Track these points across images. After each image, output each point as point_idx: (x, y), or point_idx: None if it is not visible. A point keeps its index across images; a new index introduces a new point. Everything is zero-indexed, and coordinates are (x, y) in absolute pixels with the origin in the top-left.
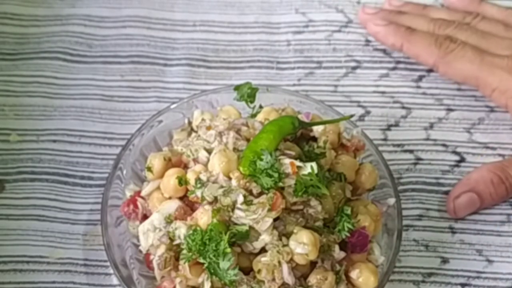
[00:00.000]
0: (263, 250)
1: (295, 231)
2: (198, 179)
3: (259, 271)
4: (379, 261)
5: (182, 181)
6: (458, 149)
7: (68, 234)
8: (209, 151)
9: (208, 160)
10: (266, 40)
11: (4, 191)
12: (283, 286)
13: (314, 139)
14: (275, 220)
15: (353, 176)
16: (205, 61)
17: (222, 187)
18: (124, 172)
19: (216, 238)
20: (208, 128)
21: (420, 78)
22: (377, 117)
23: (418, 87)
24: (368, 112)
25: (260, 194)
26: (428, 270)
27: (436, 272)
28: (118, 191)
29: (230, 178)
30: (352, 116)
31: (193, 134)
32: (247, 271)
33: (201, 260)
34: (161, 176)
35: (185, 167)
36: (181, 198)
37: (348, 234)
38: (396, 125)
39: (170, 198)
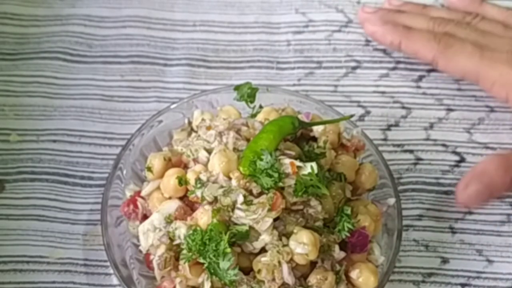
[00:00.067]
0: (263, 250)
1: (295, 231)
2: (198, 179)
3: (259, 271)
4: (379, 261)
5: (182, 181)
6: (458, 149)
7: (68, 234)
8: (209, 151)
9: (208, 160)
10: (266, 40)
11: (4, 191)
12: (283, 286)
13: (314, 139)
14: (275, 220)
15: (353, 176)
16: (205, 61)
17: (222, 187)
18: (124, 172)
19: (216, 238)
20: (208, 128)
21: (420, 78)
22: (377, 117)
23: (418, 87)
24: (368, 112)
25: (260, 194)
26: (428, 270)
27: (436, 272)
28: (118, 191)
29: (230, 178)
30: (352, 116)
31: (193, 134)
32: (247, 271)
33: (201, 260)
34: (161, 176)
35: (185, 167)
36: (181, 198)
37: (348, 234)
38: (396, 125)
39: (170, 198)
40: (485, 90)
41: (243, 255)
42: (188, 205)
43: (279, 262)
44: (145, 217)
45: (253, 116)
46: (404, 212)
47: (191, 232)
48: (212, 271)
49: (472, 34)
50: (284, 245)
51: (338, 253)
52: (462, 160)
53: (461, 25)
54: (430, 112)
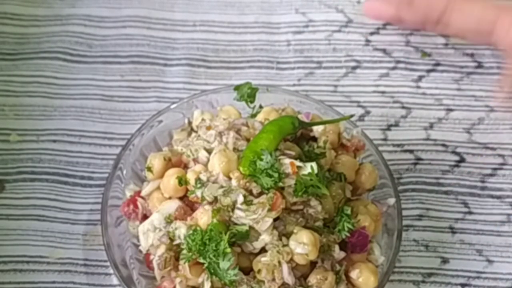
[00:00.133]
0: (263, 250)
1: (295, 231)
2: (198, 179)
3: (259, 271)
4: (379, 261)
5: (182, 181)
6: (458, 149)
7: (68, 234)
8: (209, 151)
9: (208, 160)
10: (266, 40)
11: (4, 191)
12: (283, 286)
13: (314, 139)
14: (275, 220)
15: (353, 176)
16: (205, 61)
17: (222, 187)
18: (124, 172)
19: (216, 238)
20: (208, 128)
21: (420, 78)
22: (377, 117)
23: (418, 87)
24: (368, 112)
25: (260, 194)
26: (428, 270)
27: (436, 272)
28: (118, 191)
29: (230, 178)
30: (352, 116)
31: (193, 134)
32: (247, 271)
33: (201, 260)
34: (161, 176)
35: (185, 167)
36: (181, 198)
37: (348, 234)
38: (396, 125)
39: (170, 198)
40: (499, 39)
41: (243, 255)
42: (188, 205)
43: (279, 262)
44: (145, 217)
45: (253, 116)
46: (404, 212)
47: (191, 232)
48: (212, 271)
49: None
50: (284, 245)
51: (338, 253)
52: (462, 160)
53: None
54: (430, 112)
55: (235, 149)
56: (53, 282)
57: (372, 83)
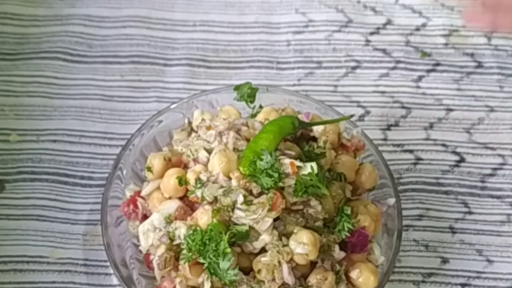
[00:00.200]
0: (263, 250)
1: (295, 231)
2: (198, 179)
3: (259, 271)
4: (379, 261)
5: (182, 181)
6: (458, 149)
7: (68, 234)
8: (209, 151)
9: (208, 160)
10: (266, 40)
11: (4, 191)
12: (283, 286)
13: (314, 139)
14: (275, 220)
15: (353, 176)
16: (205, 61)
17: (222, 187)
18: (124, 172)
19: (216, 238)
20: (208, 128)
21: (420, 78)
22: (377, 117)
23: (418, 87)
24: (368, 112)
25: (260, 194)
26: (428, 270)
27: (436, 272)
28: (118, 191)
29: (230, 178)
30: (352, 116)
31: (193, 134)
32: (247, 271)
33: (201, 260)
34: (161, 176)
35: (185, 167)
36: (181, 198)
37: (348, 234)
38: (396, 125)
39: (170, 198)
40: None
41: (243, 255)
42: (188, 205)
43: (279, 262)
44: (145, 217)
45: (253, 116)
46: (404, 212)
47: (191, 232)
48: (212, 271)
49: None
50: (284, 245)
51: (338, 253)
52: (462, 160)
53: None
54: (430, 112)
55: (235, 149)
56: (53, 282)
57: (372, 83)
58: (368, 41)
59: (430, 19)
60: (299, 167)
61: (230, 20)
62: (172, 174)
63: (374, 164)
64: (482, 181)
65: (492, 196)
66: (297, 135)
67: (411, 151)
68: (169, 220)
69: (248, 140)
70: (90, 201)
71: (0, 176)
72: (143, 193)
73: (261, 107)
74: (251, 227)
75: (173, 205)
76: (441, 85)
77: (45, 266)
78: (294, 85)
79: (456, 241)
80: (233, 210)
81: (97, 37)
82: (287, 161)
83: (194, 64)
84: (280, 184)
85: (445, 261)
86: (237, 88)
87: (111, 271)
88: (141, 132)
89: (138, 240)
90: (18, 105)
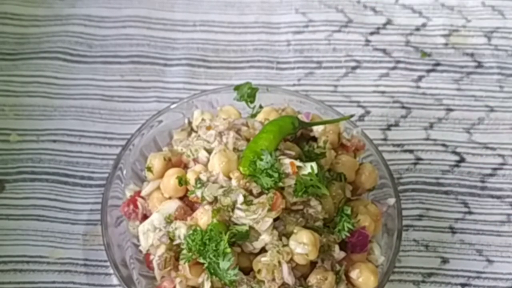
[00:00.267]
0: (263, 250)
1: (295, 231)
2: (198, 179)
3: (259, 271)
4: (379, 261)
5: (182, 181)
6: (458, 149)
7: (68, 234)
8: (209, 151)
9: (208, 160)
10: (266, 40)
11: (4, 191)
12: (283, 286)
13: (314, 139)
14: (275, 220)
15: (353, 176)
16: (205, 61)
17: (222, 187)
18: (124, 172)
19: (216, 238)
20: (208, 128)
21: (420, 78)
22: (377, 117)
23: (418, 87)
24: (368, 112)
25: (260, 194)
26: (428, 270)
27: (436, 272)
28: (118, 191)
29: (230, 178)
30: (352, 116)
31: (193, 134)
32: (247, 271)
33: (201, 260)
34: (161, 176)
35: (185, 167)
36: (181, 198)
37: (348, 234)
38: (396, 125)
39: (170, 198)
40: None
41: (243, 255)
42: (188, 205)
43: (279, 262)
44: (145, 217)
45: (253, 116)
46: (404, 212)
47: (191, 232)
48: (212, 271)
49: None
50: (284, 245)
51: (338, 253)
52: (462, 160)
53: None
54: (430, 112)
55: (235, 149)
56: (53, 282)
57: (372, 83)
58: (368, 41)
59: (430, 19)
60: (299, 167)
61: (230, 20)
62: (172, 174)
63: (374, 164)
64: (482, 181)
65: (492, 196)
66: (297, 135)
67: (411, 151)
68: (169, 220)
69: (248, 140)
70: (90, 201)
71: (0, 176)
72: (143, 193)
73: (261, 107)
74: (251, 227)
75: (173, 205)
76: (441, 85)
77: (45, 266)
78: (294, 85)
79: (456, 241)
80: (233, 210)
81: (97, 37)
82: (287, 161)
83: (194, 64)
84: (280, 184)
85: (445, 261)
86: (237, 88)
87: (111, 271)
88: (141, 132)
89: (138, 240)
90: (18, 105)
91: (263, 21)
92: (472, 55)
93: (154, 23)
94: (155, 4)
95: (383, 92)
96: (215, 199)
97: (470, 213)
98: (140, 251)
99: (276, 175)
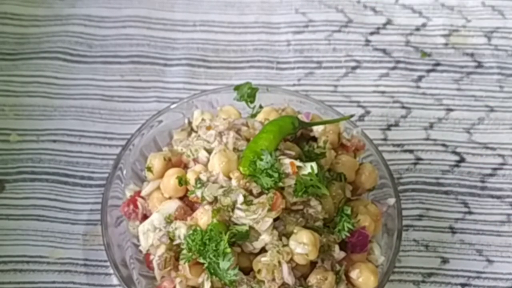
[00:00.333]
0: (263, 250)
1: (295, 231)
2: (198, 179)
3: (259, 271)
4: (379, 261)
5: (182, 181)
6: (458, 149)
7: (68, 234)
8: (209, 151)
9: (208, 160)
10: (266, 40)
11: (4, 191)
12: (283, 286)
13: (314, 139)
14: (275, 220)
15: (353, 176)
16: (205, 61)
17: (222, 187)
18: (124, 172)
19: (216, 238)
20: (208, 128)
21: (420, 78)
22: (377, 117)
23: (418, 87)
24: (368, 112)
25: (260, 194)
26: (428, 270)
27: (436, 272)
28: (118, 191)
29: (230, 178)
30: (352, 116)
31: (193, 134)
32: (247, 271)
33: (201, 260)
34: (161, 176)
35: (185, 167)
36: (181, 198)
37: (348, 234)
38: (396, 125)
39: (170, 198)
40: None
41: (243, 255)
42: (188, 205)
43: (279, 262)
44: (145, 217)
45: (253, 116)
46: (404, 212)
47: (191, 232)
48: (212, 271)
49: None
50: (284, 245)
51: (338, 253)
52: (462, 160)
53: None
54: (430, 112)
55: (235, 149)
56: (53, 282)
57: (372, 83)
58: (368, 41)
59: (430, 19)
60: (299, 167)
61: (230, 20)
62: (172, 174)
63: (374, 164)
64: (482, 181)
65: (492, 196)
66: (297, 135)
67: (411, 151)
68: (169, 220)
69: (248, 140)
70: (90, 201)
71: (0, 176)
72: (143, 193)
73: (261, 107)
74: (251, 227)
75: (173, 205)
76: (441, 85)
77: (45, 266)
78: (294, 85)
79: (456, 241)
80: (233, 210)
81: (97, 37)
82: (287, 161)
83: (194, 64)
84: (280, 184)
85: (445, 261)
86: (237, 88)
87: (111, 271)
88: (141, 132)
89: (138, 240)
90: (18, 105)
91: (263, 21)
92: (472, 55)
93: (154, 23)
94: (155, 4)
95: (383, 92)
96: (215, 199)
97: (470, 213)
98: (140, 251)
99: (276, 175)
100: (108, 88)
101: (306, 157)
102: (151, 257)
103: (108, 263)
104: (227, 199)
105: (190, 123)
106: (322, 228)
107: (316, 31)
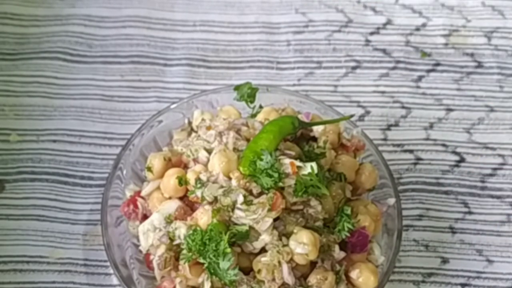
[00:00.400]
0: (263, 250)
1: (295, 231)
2: (198, 179)
3: (259, 271)
4: (379, 261)
5: (182, 181)
6: (458, 149)
7: (68, 234)
8: (209, 151)
9: (208, 160)
10: (266, 40)
11: (4, 191)
12: (283, 286)
13: (314, 139)
14: (275, 220)
15: (353, 176)
16: (205, 61)
17: (222, 187)
18: (124, 172)
19: (216, 238)
20: (208, 128)
21: (420, 78)
22: (377, 117)
23: (418, 87)
24: (368, 112)
25: (260, 194)
26: (428, 270)
27: (436, 272)
28: (118, 191)
29: (230, 178)
30: (352, 116)
31: (193, 134)
32: (247, 271)
33: (201, 260)
34: (161, 176)
35: (185, 167)
36: (181, 198)
37: (348, 234)
38: (396, 125)
39: (170, 198)
40: None
41: (243, 255)
42: (188, 205)
43: (279, 262)
44: (145, 217)
45: (253, 116)
46: (404, 212)
47: (191, 232)
48: (212, 271)
49: None
50: (284, 245)
51: (338, 253)
52: (462, 160)
53: None
54: (429, 112)
55: (235, 149)
56: (53, 282)
57: (372, 83)
58: (368, 41)
59: (430, 19)
60: (299, 167)
61: (230, 20)
62: (172, 174)
63: (374, 164)
64: (482, 181)
65: (492, 196)
66: (297, 135)
67: (411, 151)
68: (169, 220)
69: (248, 140)
70: (90, 201)
71: (0, 176)
72: (143, 193)
73: (261, 107)
74: (251, 227)
75: (173, 205)
76: (441, 85)
77: (45, 266)
78: (294, 85)
79: (456, 241)
80: (233, 210)
81: (97, 37)
82: (287, 161)
83: (194, 64)
84: (280, 184)
85: (445, 261)
86: (237, 88)
87: (111, 271)
88: (141, 132)
89: (138, 240)
90: (18, 105)
91: (263, 21)
92: (472, 55)
93: (154, 23)
94: (155, 4)
95: (383, 92)
96: (215, 199)
97: (470, 213)
98: (140, 251)
99: (276, 175)
100: (108, 88)
101: (306, 157)
102: (151, 257)
103: (108, 263)
104: (227, 199)
105: (190, 123)
106: (322, 228)
107: (316, 31)
